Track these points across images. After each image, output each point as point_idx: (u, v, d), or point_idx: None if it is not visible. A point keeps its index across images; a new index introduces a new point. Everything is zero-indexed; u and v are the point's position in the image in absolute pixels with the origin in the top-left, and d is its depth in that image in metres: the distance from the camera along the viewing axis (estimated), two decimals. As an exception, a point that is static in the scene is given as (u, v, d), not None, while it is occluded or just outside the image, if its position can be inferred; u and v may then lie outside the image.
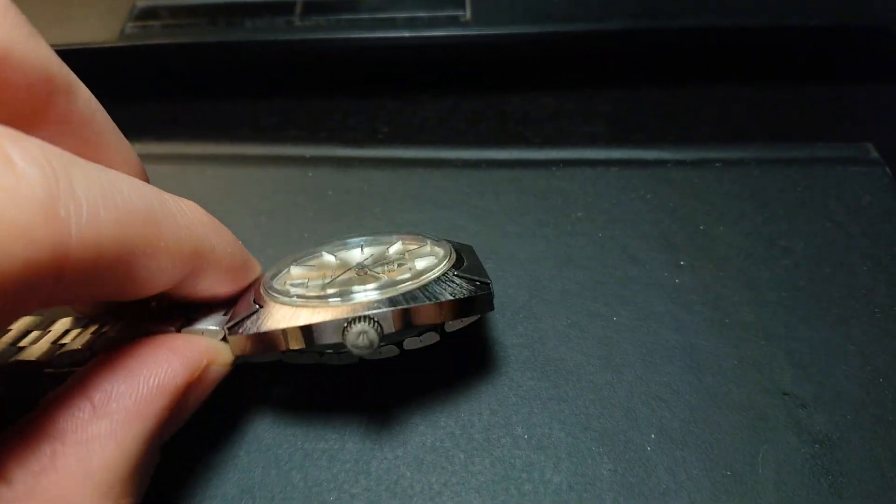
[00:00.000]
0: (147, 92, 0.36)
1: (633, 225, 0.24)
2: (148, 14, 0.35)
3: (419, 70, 0.36)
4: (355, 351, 0.16)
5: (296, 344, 0.17)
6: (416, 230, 0.22)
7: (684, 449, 0.19)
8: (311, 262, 0.21)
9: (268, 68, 0.36)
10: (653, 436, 0.19)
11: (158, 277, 0.15)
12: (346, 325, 0.16)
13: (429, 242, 0.21)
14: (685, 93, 0.36)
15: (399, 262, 0.20)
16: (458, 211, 0.25)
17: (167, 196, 0.16)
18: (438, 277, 0.18)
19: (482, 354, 0.21)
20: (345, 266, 0.20)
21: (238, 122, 0.35)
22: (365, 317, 0.16)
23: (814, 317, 0.22)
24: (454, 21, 0.34)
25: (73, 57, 0.34)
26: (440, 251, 0.20)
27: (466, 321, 0.19)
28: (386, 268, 0.20)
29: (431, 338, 0.19)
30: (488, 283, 0.18)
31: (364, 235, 0.22)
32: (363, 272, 0.20)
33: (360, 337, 0.16)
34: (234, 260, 0.18)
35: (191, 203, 0.17)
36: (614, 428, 0.19)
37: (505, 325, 0.22)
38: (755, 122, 0.33)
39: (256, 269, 0.20)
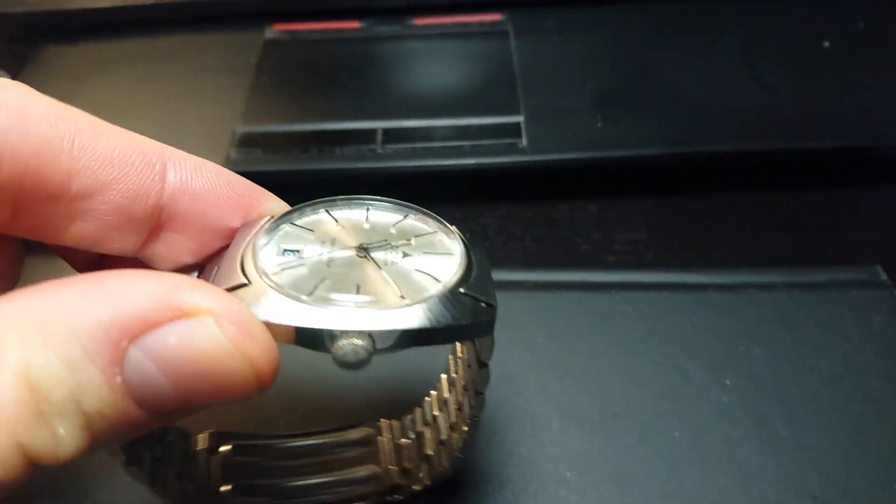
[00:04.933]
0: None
1: (683, 346, 0.29)
2: (248, 140, 0.41)
3: (482, 186, 0.42)
4: (342, 366, 0.16)
5: (282, 340, 0.16)
6: (426, 211, 0.21)
7: (738, 547, 0.24)
8: (309, 222, 0.20)
9: (353, 188, 0.41)
10: (712, 538, 0.24)
11: None
12: (337, 335, 0.16)
13: (440, 231, 0.20)
14: (714, 201, 0.41)
15: (404, 248, 0.19)
16: (535, 331, 0.30)
17: None
18: (444, 294, 0.17)
19: (567, 467, 0.26)
20: (343, 239, 0.19)
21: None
22: (358, 331, 0.16)
23: (837, 430, 0.27)
24: (513, 148, 0.39)
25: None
26: (452, 248, 0.19)
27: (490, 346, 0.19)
28: (389, 253, 0.19)
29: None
30: (494, 307, 0.18)
31: (374, 197, 0.21)
32: (364, 255, 0.19)
33: (349, 353, 0.16)
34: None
35: None
36: (681, 532, 0.24)
37: (583, 439, 0.27)
38: (777, 231, 0.38)
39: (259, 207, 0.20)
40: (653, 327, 0.30)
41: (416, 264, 0.19)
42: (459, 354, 0.24)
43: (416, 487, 0.25)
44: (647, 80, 0.42)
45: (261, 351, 0.15)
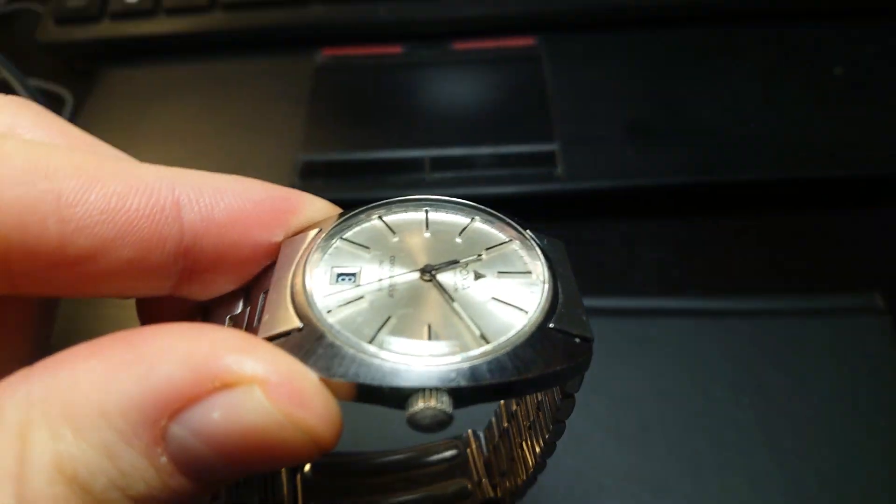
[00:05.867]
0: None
1: (706, 368, 0.34)
2: (310, 169, 0.45)
3: (519, 209, 0.46)
4: (417, 430, 0.14)
5: (343, 398, 0.14)
6: (492, 211, 0.19)
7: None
8: (362, 236, 0.18)
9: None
10: (728, 533, 0.29)
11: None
12: (409, 396, 0.14)
13: (514, 239, 0.18)
14: (733, 223, 0.45)
15: (475, 266, 0.17)
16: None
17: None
18: (532, 332, 0.15)
19: (607, 475, 0.31)
20: (404, 255, 0.17)
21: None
22: (435, 390, 0.14)
23: (834, 442, 0.31)
24: (550, 176, 0.43)
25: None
26: (531, 264, 0.17)
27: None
28: (459, 275, 0.17)
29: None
30: (590, 341, 0.16)
31: (432, 197, 0.19)
32: (430, 279, 0.17)
33: (427, 417, 0.14)
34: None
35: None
36: (703, 529, 0.29)
37: (620, 451, 0.32)
38: (788, 253, 0.43)
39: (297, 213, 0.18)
40: (680, 350, 0.35)
41: (492, 289, 0.16)
42: None
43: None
44: (673, 107, 0.46)
45: (317, 418, 0.14)
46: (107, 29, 0.53)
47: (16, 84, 0.57)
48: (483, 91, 0.49)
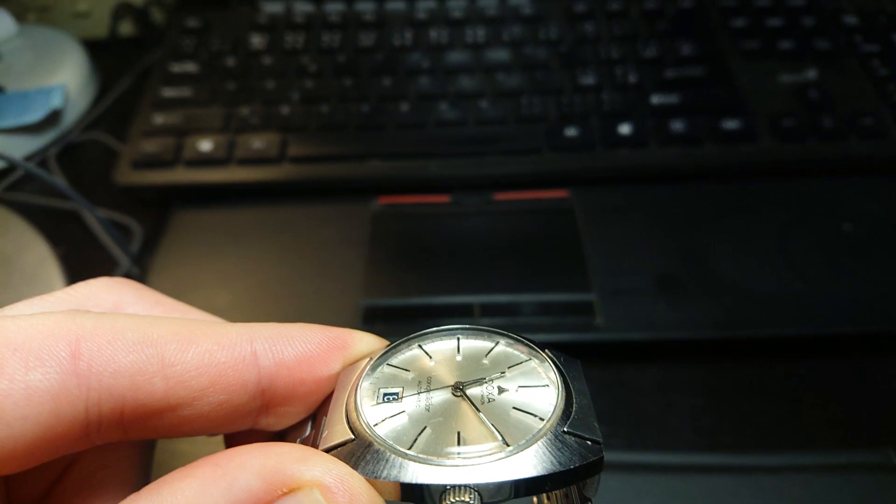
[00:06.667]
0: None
1: (741, 524, 0.38)
2: (371, 313, 0.49)
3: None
4: None
5: (388, 497, 0.17)
6: (516, 336, 0.22)
7: None
8: (404, 361, 0.22)
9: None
10: None
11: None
12: (442, 493, 0.17)
13: (533, 358, 0.21)
14: (756, 370, 0.49)
15: (499, 381, 0.20)
16: (622, 505, 0.39)
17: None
18: (548, 436, 0.18)
19: None
20: (439, 376, 0.21)
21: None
22: (464, 487, 0.16)
23: None
24: (589, 325, 0.48)
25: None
26: (547, 378, 0.20)
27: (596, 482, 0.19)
28: (485, 389, 0.20)
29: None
30: (600, 444, 0.18)
31: (464, 325, 0.23)
32: (460, 394, 0.20)
33: None
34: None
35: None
36: None
37: None
38: (811, 404, 0.47)
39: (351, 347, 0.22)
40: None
41: (513, 400, 0.19)
42: None
43: None
44: (697, 262, 0.51)
45: None
46: (181, 175, 0.58)
47: (87, 215, 0.63)
48: (523, 239, 0.54)
